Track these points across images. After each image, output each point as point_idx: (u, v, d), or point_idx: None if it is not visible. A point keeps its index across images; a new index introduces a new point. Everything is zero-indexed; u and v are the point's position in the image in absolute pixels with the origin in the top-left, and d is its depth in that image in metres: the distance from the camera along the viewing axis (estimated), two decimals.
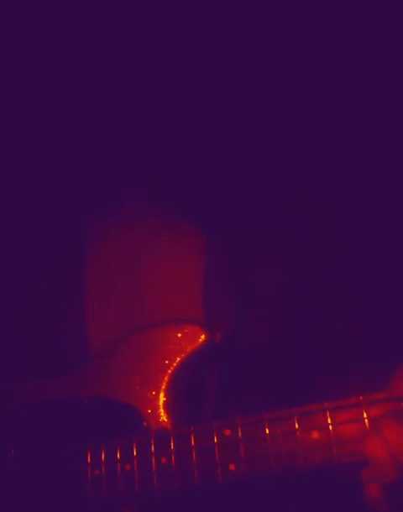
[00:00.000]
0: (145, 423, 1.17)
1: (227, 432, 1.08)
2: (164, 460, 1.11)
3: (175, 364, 1.20)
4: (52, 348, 1.34)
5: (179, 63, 1.31)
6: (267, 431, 1.06)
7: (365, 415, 1.01)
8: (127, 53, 1.31)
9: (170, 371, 1.20)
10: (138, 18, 1.29)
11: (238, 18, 1.35)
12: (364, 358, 1.29)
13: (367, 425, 1.01)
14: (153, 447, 1.12)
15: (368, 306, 1.34)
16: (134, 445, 1.13)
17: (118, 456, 1.14)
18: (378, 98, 1.62)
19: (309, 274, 1.34)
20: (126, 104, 1.33)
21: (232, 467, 1.06)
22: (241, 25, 1.36)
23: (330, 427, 1.02)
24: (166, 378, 1.19)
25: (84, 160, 1.40)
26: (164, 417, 1.17)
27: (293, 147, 1.46)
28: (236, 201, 1.39)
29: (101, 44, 1.31)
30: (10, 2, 1.37)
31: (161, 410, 1.18)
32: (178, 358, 1.20)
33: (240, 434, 1.07)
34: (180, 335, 1.21)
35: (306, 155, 1.46)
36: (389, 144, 1.61)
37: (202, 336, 1.21)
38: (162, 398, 1.18)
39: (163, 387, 1.19)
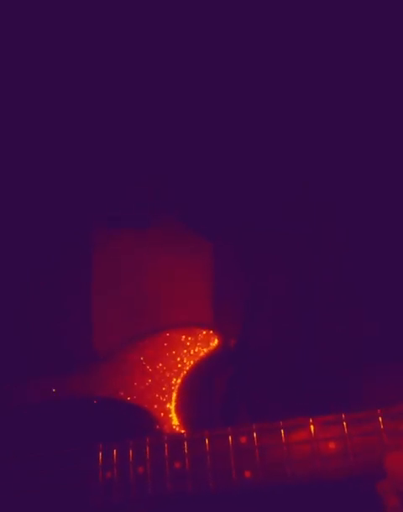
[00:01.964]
0: (157, 426, 1.18)
1: (243, 439, 1.09)
2: (177, 464, 1.11)
3: (188, 368, 1.20)
4: (59, 350, 1.33)
5: (179, 67, 1.31)
6: (283, 439, 1.07)
7: (383, 427, 1.03)
8: (129, 58, 1.31)
9: (183, 375, 1.20)
10: (139, 20, 1.29)
11: (237, 17, 1.35)
12: (366, 359, 1.31)
13: (384, 437, 1.02)
14: (166, 451, 1.12)
15: (371, 307, 1.36)
16: (147, 447, 1.13)
17: (131, 458, 1.14)
18: (378, 98, 1.62)
19: (311, 275, 1.35)
20: (128, 110, 1.32)
21: (247, 474, 1.07)
22: (240, 24, 1.36)
23: (347, 438, 1.04)
24: (179, 382, 1.20)
25: (90, 165, 1.40)
26: (176, 421, 1.18)
27: (294, 148, 1.46)
28: (238, 204, 1.39)
29: (104, 50, 1.31)
30: (10, 2, 1.35)
31: (173, 414, 1.18)
32: (191, 362, 1.20)
33: (256, 440, 1.08)
34: (193, 339, 1.21)
35: (307, 156, 1.46)
36: (390, 144, 1.62)
37: (216, 341, 1.21)
38: (174, 401, 1.19)
39: (176, 390, 1.19)
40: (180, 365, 1.21)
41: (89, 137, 1.38)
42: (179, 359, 1.21)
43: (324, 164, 1.46)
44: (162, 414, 1.18)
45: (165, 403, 1.19)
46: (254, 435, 1.08)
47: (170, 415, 1.18)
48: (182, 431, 1.16)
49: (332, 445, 1.04)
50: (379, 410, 1.04)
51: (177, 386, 1.19)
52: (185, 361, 1.21)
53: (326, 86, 1.57)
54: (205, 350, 1.21)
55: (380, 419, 1.03)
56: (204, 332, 1.22)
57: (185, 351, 1.21)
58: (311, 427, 1.06)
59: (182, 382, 1.20)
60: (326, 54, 1.55)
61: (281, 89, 1.47)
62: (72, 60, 1.33)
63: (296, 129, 1.49)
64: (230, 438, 1.09)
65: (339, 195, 1.42)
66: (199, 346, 1.21)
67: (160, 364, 1.21)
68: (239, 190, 1.40)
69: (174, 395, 1.19)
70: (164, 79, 1.31)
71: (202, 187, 1.38)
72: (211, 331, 1.22)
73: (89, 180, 1.41)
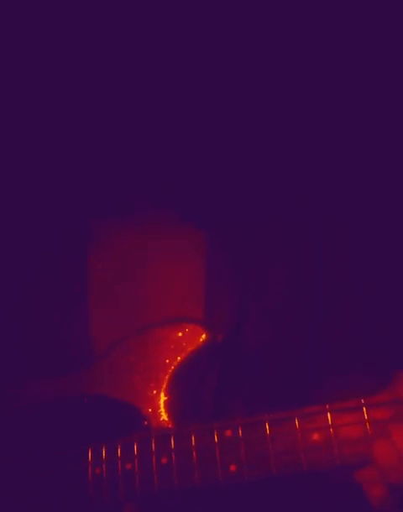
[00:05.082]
0: (146, 422, 1.18)
1: (228, 432, 1.09)
2: (164, 459, 1.11)
3: (175, 363, 1.20)
4: (54, 348, 1.34)
5: (179, 67, 1.31)
6: (268, 432, 1.06)
7: (366, 417, 1.02)
8: (129, 60, 1.31)
9: (170, 370, 1.20)
10: (139, 23, 1.29)
11: (239, 23, 1.34)
12: (368, 358, 1.30)
13: (368, 427, 1.02)
14: (153, 446, 1.12)
15: (373, 305, 1.34)
16: (135, 444, 1.14)
17: (119, 454, 1.14)
18: (376, 93, 1.61)
19: (313, 272, 1.34)
20: (127, 105, 1.32)
21: (232, 467, 1.07)
22: (241, 29, 1.35)
23: (330, 429, 1.03)
24: (167, 377, 1.20)
25: (88, 159, 1.39)
26: (164, 416, 1.18)
27: (294, 140, 1.45)
28: (236, 199, 1.39)
29: (105, 51, 1.31)
30: (10, 2, 1.36)
31: (162, 410, 1.18)
32: (179, 358, 1.20)
33: (241, 434, 1.08)
34: (180, 334, 1.21)
35: (308, 149, 1.45)
36: (391, 142, 1.60)
37: (203, 336, 1.21)
38: (163, 397, 1.19)
39: (164, 386, 1.19)
40: (168, 361, 1.21)
41: (84, 131, 1.37)
42: (167, 355, 1.21)
43: (324, 159, 1.45)
44: (150, 409, 1.18)
45: (154, 398, 1.19)
46: (239, 428, 1.08)
47: (159, 411, 1.18)
48: (170, 427, 1.16)
49: (316, 436, 1.04)
50: (362, 400, 1.03)
51: (165, 381, 1.20)
52: (173, 356, 1.21)
53: (318, 79, 1.56)
54: (193, 345, 1.21)
55: (364, 408, 1.03)
56: (191, 328, 1.22)
57: (172, 347, 1.21)
58: (296, 419, 1.06)
59: (170, 377, 1.20)
60: (327, 56, 1.54)
61: (277, 83, 1.46)
62: (69, 53, 1.33)
63: (295, 124, 1.48)
64: (215, 432, 1.09)
65: (341, 189, 1.40)
66: (187, 341, 1.21)
67: (149, 361, 1.21)
68: (237, 186, 1.39)
69: (162, 391, 1.19)
70: (162, 74, 1.30)
71: (199, 181, 1.37)
72: (199, 327, 1.22)
73: (86, 175, 1.40)
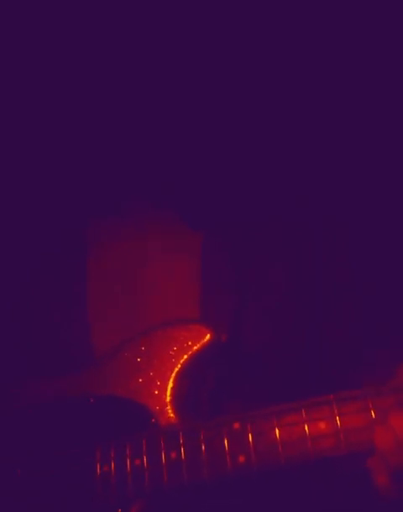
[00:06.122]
0: (153, 420, 1.19)
1: (236, 425, 1.10)
2: (173, 454, 1.12)
3: (181, 362, 1.22)
4: (55, 349, 1.35)
5: (178, 68, 1.32)
6: (275, 423, 1.08)
7: (371, 405, 1.04)
8: (129, 63, 1.33)
9: (176, 369, 1.22)
10: (138, 22, 1.31)
11: (238, 23, 1.37)
12: (368, 358, 1.31)
13: (373, 415, 1.04)
14: (162, 442, 1.14)
15: (373, 305, 1.36)
16: (144, 440, 1.15)
17: (128, 451, 1.15)
18: (375, 94, 1.63)
19: (313, 272, 1.36)
20: (124, 107, 1.33)
21: (241, 458, 1.09)
22: (240, 29, 1.37)
23: (336, 418, 1.05)
24: (173, 376, 1.22)
25: (87, 164, 1.41)
26: (171, 414, 1.19)
27: (294, 140, 1.47)
28: (235, 199, 1.40)
29: (106, 55, 1.33)
30: (10, 2, 1.38)
31: (169, 407, 1.20)
32: (185, 356, 1.22)
33: (249, 426, 1.10)
34: (186, 334, 1.23)
35: (307, 149, 1.47)
36: (391, 142, 1.62)
37: (208, 336, 1.23)
38: (169, 395, 1.21)
39: (170, 384, 1.21)
40: (173, 360, 1.23)
41: (84, 131, 1.38)
42: (172, 354, 1.23)
43: (324, 159, 1.47)
44: (158, 407, 1.20)
45: (160, 396, 1.21)
46: (247, 421, 1.10)
47: (166, 408, 1.20)
48: (177, 423, 1.18)
49: (322, 425, 1.06)
50: (366, 389, 1.05)
51: (171, 380, 1.21)
52: (178, 355, 1.23)
53: (317, 79, 1.58)
54: (197, 344, 1.23)
55: (368, 397, 1.05)
56: (196, 327, 1.24)
57: (178, 346, 1.23)
58: (302, 410, 1.08)
59: (176, 376, 1.22)
60: (327, 56, 1.56)
61: (276, 83, 1.47)
62: (69, 56, 1.34)
63: (295, 124, 1.50)
64: (224, 426, 1.11)
65: (340, 188, 1.41)
66: (191, 340, 1.23)
67: (155, 361, 1.23)
68: (236, 184, 1.40)
69: (168, 389, 1.21)
70: (160, 75, 1.31)
71: (198, 181, 1.38)
72: (203, 326, 1.24)
73: (85, 176, 1.41)
